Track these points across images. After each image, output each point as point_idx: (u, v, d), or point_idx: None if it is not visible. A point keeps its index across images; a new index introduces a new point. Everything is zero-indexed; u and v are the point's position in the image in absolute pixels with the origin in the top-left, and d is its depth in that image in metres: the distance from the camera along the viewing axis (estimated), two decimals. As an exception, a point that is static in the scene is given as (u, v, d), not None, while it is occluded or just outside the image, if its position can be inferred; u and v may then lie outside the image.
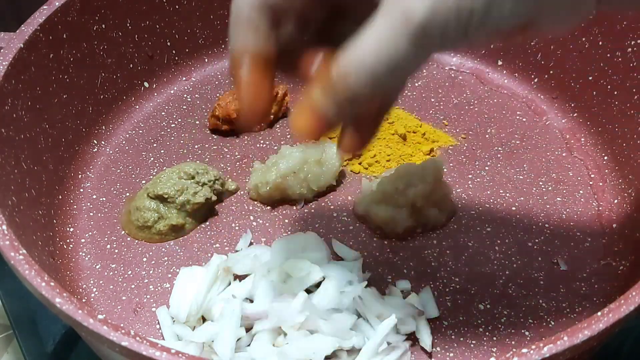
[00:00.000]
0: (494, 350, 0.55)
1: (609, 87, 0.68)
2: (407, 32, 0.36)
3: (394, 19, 0.37)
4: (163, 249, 0.63)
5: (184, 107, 0.76)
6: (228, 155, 0.71)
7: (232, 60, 0.43)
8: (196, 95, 0.77)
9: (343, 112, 0.41)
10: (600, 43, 0.69)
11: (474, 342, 0.56)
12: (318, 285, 0.57)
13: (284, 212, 0.66)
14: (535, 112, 0.74)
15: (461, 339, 0.56)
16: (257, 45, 0.42)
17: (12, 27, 0.64)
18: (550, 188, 0.67)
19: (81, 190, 0.68)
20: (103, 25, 0.71)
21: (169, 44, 0.78)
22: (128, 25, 0.73)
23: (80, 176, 0.69)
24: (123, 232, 0.64)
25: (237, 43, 0.42)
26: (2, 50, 0.61)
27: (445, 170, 0.63)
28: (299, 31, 0.43)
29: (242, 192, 0.67)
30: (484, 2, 0.36)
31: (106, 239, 0.64)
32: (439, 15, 0.36)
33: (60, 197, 0.66)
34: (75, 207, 0.66)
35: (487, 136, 0.72)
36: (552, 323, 0.57)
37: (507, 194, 0.66)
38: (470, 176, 0.68)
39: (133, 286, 0.60)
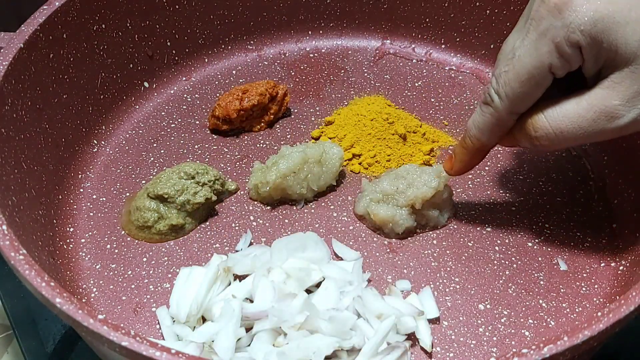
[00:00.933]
0: (493, 351, 0.55)
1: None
2: (604, 127, 0.51)
3: (596, 112, 0.50)
4: (163, 249, 0.63)
5: (184, 107, 0.76)
6: (228, 155, 0.71)
7: (471, 145, 0.59)
8: (196, 95, 0.77)
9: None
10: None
11: (474, 342, 0.56)
12: (318, 285, 0.57)
13: (284, 212, 0.66)
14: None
15: (461, 339, 0.56)
16: (496, 141, 0.58)
17: (12, 27, 0.64)
18: (550, 188, 0.67)
19: (81, 190, 0.68)
20: (103, 25, 0.71)
21: (169, 44, 0.78)
22: (128, 25, 0.73)
23: (80, 176, 0.69)
24: (123, 232, 0.64)
25: (488, 139, 0.58)
26: (2, 50, 0.61)
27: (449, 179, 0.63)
28: None
29: (242, 192, 0.67)
30: None
31: (106, 239, 0.64)
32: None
33: (60, 197, 0.66)
34: (75, 207, 0.66)
35: (487, 136, 0.72)
36: (552, 323, 0.57)
37: (507, 194, 0.66)
38: (470, 176, 0.68)
39: (133, 286, 0.60)
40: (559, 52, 0.50)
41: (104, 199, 0.67)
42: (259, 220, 0.65)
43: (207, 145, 0.72)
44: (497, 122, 0.56)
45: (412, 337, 0.55)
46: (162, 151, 0.71)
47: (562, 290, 0.59)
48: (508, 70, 0.53)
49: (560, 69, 0.51)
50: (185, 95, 0.77)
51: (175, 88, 0.78)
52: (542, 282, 0.60)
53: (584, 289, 0.59)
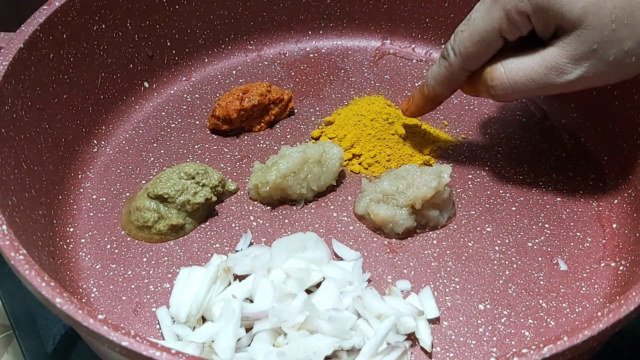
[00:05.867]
0: (493, 351, 0.55)
1: (609, 87, 0.68)
2: (554, 81, 0.57)
3: (548, 67, 0.56)
4: (163, 249, 0.63)
5: (184, 107, 0.76)
6: (228, 155, 0.71)
7: (427, 93, 0.65)
8: (196, 95, 0.77)
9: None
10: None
11: (474, 342, 0.56)
12: (318, 285, 0.57)
13: (284, 212, 0.66)
14: (535, 112, 0.74)
15: (461, 339, 0.56)
16: (449, 93, 0.65)
17: (12, 27, 0.64)
18: (550, 188, 0.67)
19: (81, 190, 0.68)
20: (103, 25, 0.71)
21: (169, 44, 0.78)
22: (128, 25, 0.73)
23: (80, 176, 0.69)
24: (123, 232, 0.64)
25: (442, 90, 0.64)
26: (2, 50, 0.61)
27: (449, 179, 0.63)
28: None
29: (242, 192, 0.67)
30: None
31: (106, 239, 0.64)
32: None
33: (60, 197, 0.66)
34: (75, 207, 0.66)
35: (487, 136, 0.72)
36: (552, 323, 0.57)
37: (507, 194, 0.66)
38: (470, 176, 0.68)
39: (133, 286, 0.60)
40: (509, 18, 0.56)
41: (104, 199, 0.67)
42: (259, 220, 0.65)
43: (207, 145, 0.72)
44: (450, 76, 0.62)
45: (412, 337, 0.55)
46: (162, 151, 0.71)
47: (562, 290, 0.59)
48: (464, 30, 0.59)
49: (510, 34, 0.57)
50: (185, 95, 0.77)
51: (175, 88, 0.78)
52: (542, 282, 0.60)
53: (584, 289, 0.59)
